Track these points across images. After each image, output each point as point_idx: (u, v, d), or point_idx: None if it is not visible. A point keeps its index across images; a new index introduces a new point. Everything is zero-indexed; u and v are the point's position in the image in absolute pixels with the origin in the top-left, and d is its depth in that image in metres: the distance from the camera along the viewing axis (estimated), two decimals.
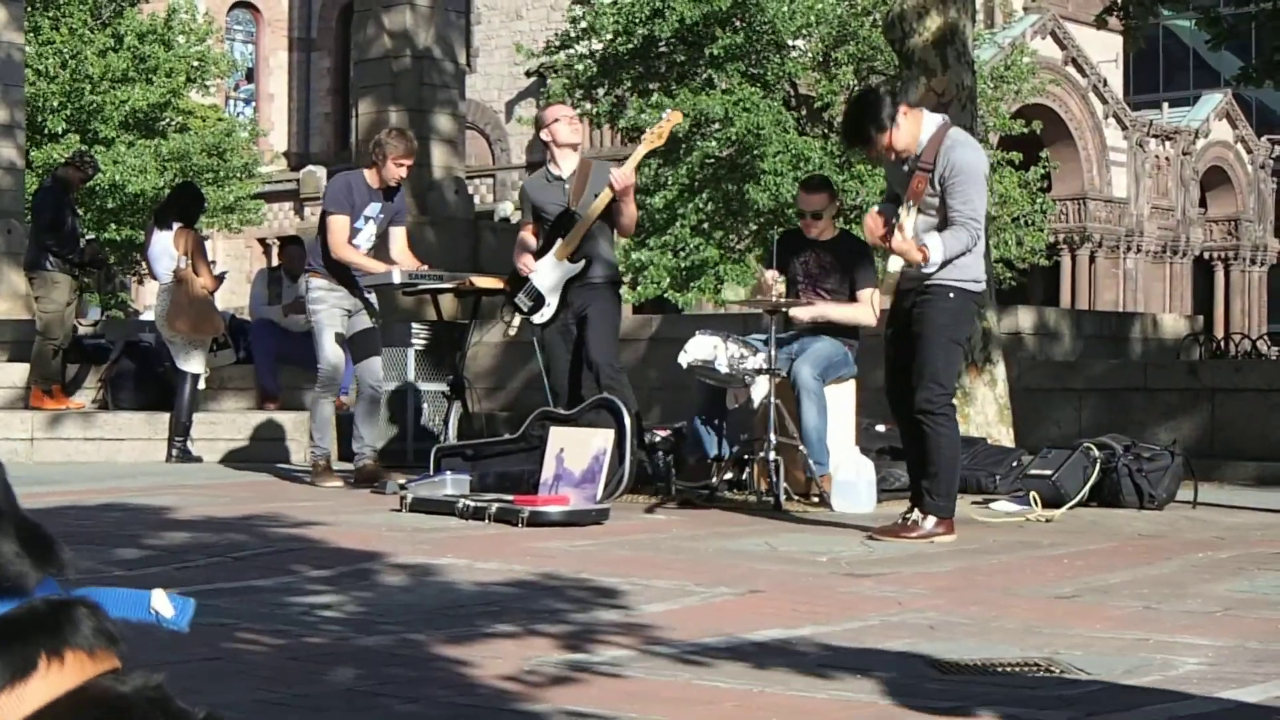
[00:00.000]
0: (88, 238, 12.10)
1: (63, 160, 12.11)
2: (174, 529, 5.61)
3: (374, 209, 7.52)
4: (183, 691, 2.93)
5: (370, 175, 7.51)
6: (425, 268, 7.94)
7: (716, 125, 22.82)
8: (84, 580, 0.93)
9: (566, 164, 7.25)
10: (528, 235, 7.35)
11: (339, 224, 7.46)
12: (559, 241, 7.14)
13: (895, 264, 5.61)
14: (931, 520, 5.45)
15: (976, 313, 5.81)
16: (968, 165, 5.46)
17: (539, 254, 7.22)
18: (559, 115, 7.36)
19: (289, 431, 9.92)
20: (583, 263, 7.11)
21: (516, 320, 7.37)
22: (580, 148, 7.55)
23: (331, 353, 7.51)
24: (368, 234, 7.54)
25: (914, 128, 5.53)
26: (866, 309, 7.10)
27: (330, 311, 7.46)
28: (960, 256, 5.48)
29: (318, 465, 7.65)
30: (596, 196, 7.06)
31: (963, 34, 8.24)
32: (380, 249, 7.75)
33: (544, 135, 7.40)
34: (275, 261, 13.03)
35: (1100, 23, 14.87)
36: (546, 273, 7.15)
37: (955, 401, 5.83)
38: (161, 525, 5.72)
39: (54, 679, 0.79)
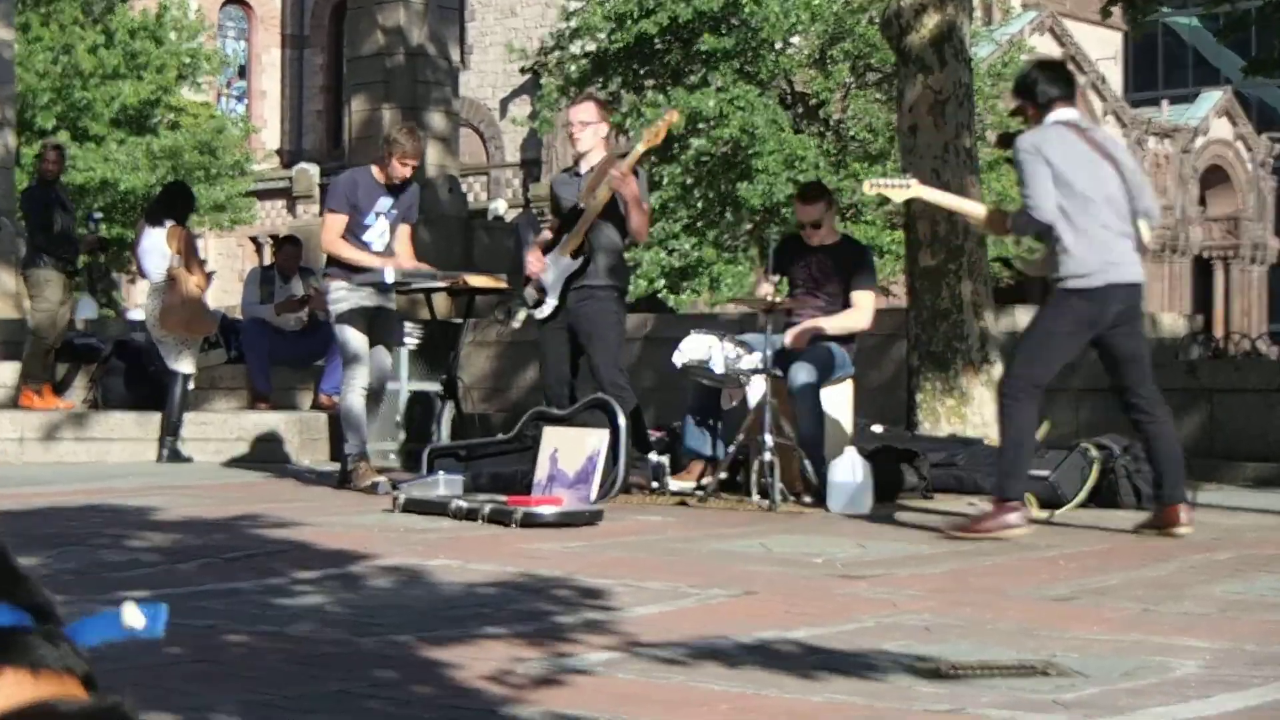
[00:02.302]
0: (93, 217, 11.84)
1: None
2: (163, 530, 5.57)
3: (384, 204, 7.43)
4: (170, 694, 2.86)
5: (377, 171, 7.44)
6: (427, 267, 7.85)
7: (711, 123, 22.79)
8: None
9: (588, 162, 7.16)
10: (548, 231, 7.28)
11: (333, 220, 7.42)
12: (565, 237, 7.08)
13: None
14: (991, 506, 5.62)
15: (1083, 311, 5.70)
16: None
17: (549, 248, 7.14)
18: (569, 121, 7.19)
19: (281, 432, 9.89)
20: (580, 260, 7.01)
21: (522, 314, 7.30)
22: (609, 142, 7.35)
23: (355, 343, 7.35)
24: (379, 229, 7.43)
25: None
26: (859, 313, 7.08)
27: (351, 310, 7.38)
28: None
29: (360, 467, 7.32)
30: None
31: (960, 31, 8.22)
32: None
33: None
34: (269, 260, 12.99)
35: (1105, 14, 14.89)
36: (550, 268, 7.08)
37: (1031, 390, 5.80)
38: (150, 526, 5.69)
39: None
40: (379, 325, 7.48)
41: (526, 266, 7.17)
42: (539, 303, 7.10)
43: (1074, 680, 3.02)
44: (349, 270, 7.35)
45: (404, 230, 7.59)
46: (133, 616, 0.90)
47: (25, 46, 24.15)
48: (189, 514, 6.08)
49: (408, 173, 7.41)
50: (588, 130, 7.06)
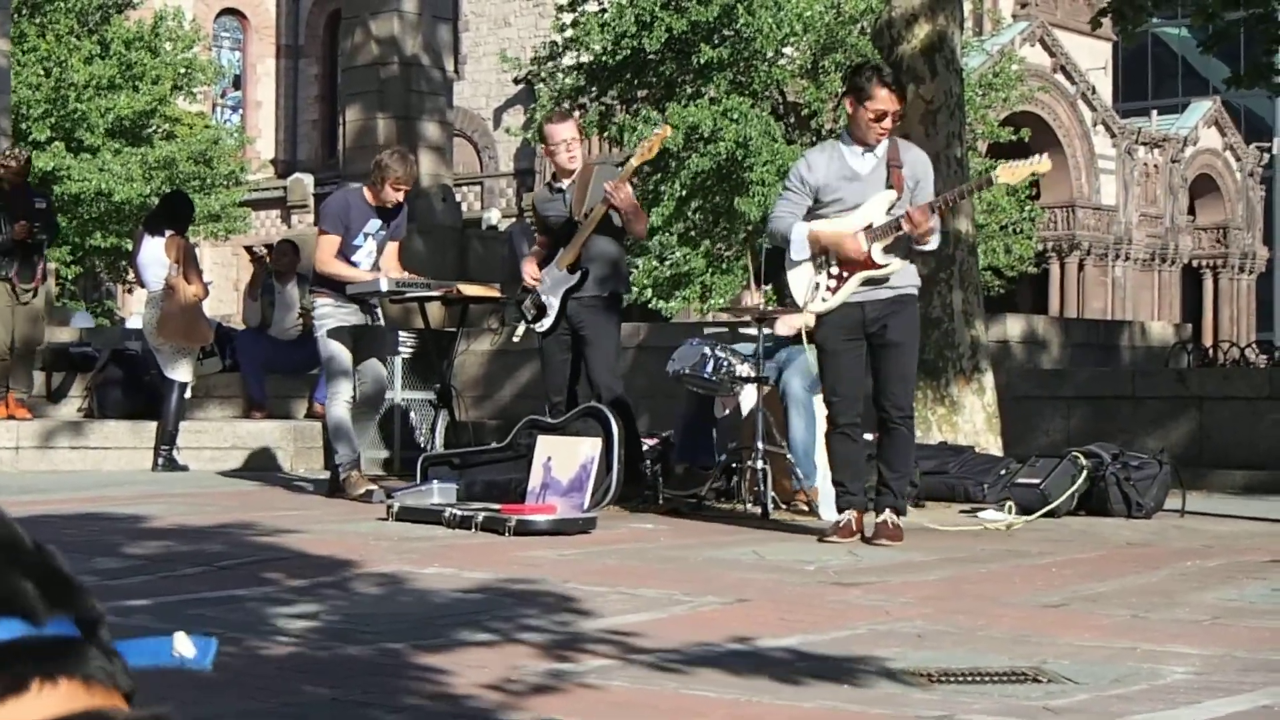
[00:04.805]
0: (35, 198, 10.93)
1: None
2: (158, 538, 5.58)
3: (373, 226, 7.47)
4: (163, 702, 2.88)
5: (369, 193, 7.47)
6: (419, 278, 7.87)
7: (706, 139, 22.79)
8: None
9: (567, 176, 7.16)
10: (539, 247, 7.30)
11: (326, 241, 7.47)
12: (561, 251, 7.09)
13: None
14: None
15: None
16: None
17: (544, 263, 7.16)
18: (558, 140, 7.07)
19: (275, 440, 9.89)
20: (578, 274, 7.02)
21: (521, 328, 7.31)
22: (583, 152, 7.36)
23: (339, 354, 7.39)
24: (367, 250, 7.48)
25: None
26: None
27: (337, 323, 7.42)
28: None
29: (353, 476, 7.33)
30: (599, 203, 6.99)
31: (951, 41, 8.25)
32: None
33: (546, 151, 7.39)
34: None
35: (1095, 25, 14.93)
36: (548, 282, 7.10)
37: (918, 409, 6.01)
38: (145, 534, 5.69)
39: (46, 701, 0.81)
40: (366, 341, 7.53)
41: (524, 277, 7.19)
42: (538, 317, 7.12)
43: (1065, 686, 3.04)
44: (337, 287, 7.40)
45: (391, 247, 7.63)
46: (183, 645, 0.90)
47: (20, 57, 24.13)
48: (184, 522, 6.09)
49: (400, 198, 7.48)
50: (578, 147, 7.14)
